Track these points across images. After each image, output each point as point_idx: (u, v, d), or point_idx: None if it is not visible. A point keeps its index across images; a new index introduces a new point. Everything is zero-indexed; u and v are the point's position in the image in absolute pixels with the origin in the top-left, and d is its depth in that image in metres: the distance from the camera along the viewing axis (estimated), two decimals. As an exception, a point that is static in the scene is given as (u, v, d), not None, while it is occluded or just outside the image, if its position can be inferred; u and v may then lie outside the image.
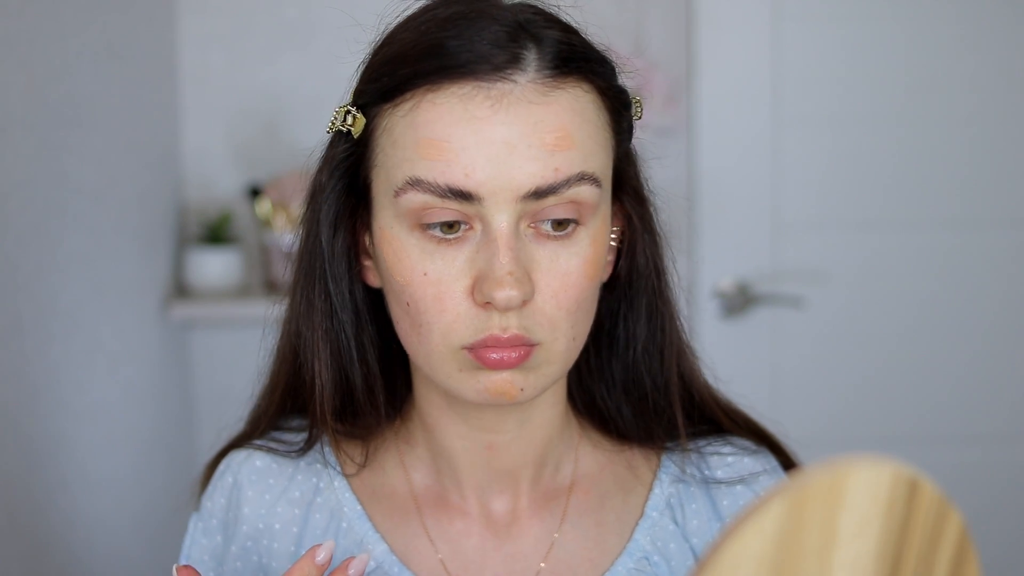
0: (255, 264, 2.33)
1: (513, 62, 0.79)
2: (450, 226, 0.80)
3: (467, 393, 0.83)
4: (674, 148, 2.17)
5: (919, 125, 2.15)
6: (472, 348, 0.81)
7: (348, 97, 0.88)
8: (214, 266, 2.23)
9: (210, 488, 0.99)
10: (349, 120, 0.85)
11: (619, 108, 0.86)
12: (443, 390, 0.88)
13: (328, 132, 0.87)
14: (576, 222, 0.82)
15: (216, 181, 2.35)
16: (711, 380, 0.99)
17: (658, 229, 0.92)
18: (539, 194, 0.79)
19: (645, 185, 0.91)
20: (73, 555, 1.76)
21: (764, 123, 2.13)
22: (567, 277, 0.81)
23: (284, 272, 0.96)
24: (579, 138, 0.80)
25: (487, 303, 0.80)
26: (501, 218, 0.79)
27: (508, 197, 0.79)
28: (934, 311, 2.19)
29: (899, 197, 2.17)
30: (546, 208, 0.80)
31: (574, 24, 0.87)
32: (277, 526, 0.94)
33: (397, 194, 0.81)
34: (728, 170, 2.12)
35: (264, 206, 2.24)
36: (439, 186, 0.78)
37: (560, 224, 0.81)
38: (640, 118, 0.90)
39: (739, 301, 2.14)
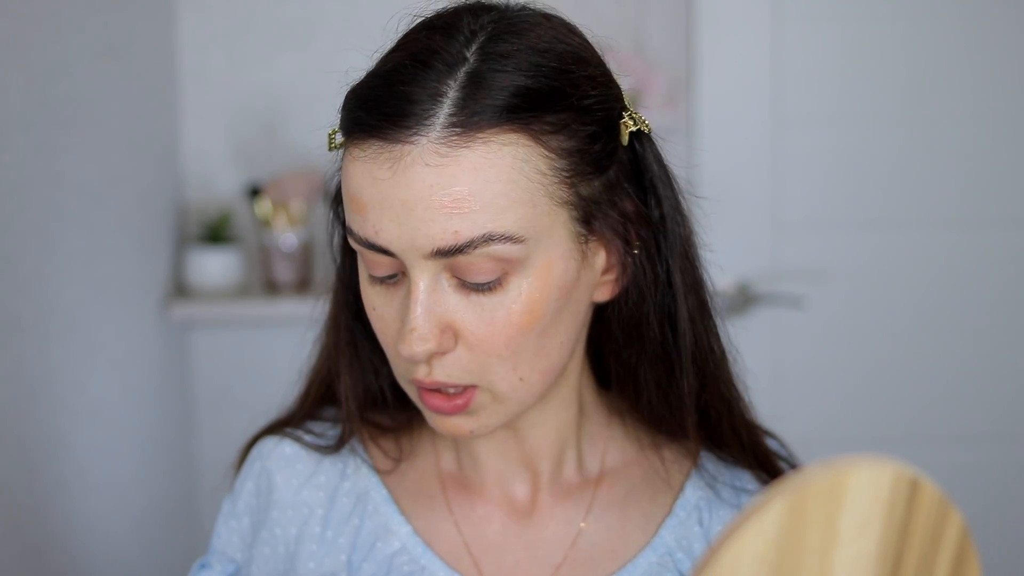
0: (255, 264, 2.33)
1: (419, 123, 0.78)
2: (382, 279, 0.84)
3: (430, 422, 0.88)
4: (674, 148, 2.17)
5: (919, 124, 2.15)
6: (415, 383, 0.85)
7: None
8: (214, 266, 2.23)
9: (241, 472, 1.01)
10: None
11: (578, 148, 0.82)
12: None
13: (329, 150, 0.89)
14: (498, 281, 0.81)
15: (216, 181, 2.35)
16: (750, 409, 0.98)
17: (669, 247, 0.88)
18: (443, 254, 0.79)
19: (659, 200, 0.88)
20: (72, 555, 1.76)
21: (764, 123, 2.13)
22: (492, 326, 0.82)
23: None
24: (486, 197, 0.78)
25: None
26: (416, 273, 0.81)
27: (416, 255, 0.80)
28: (934, 310, 2.19)
29: (899, 196, 2.17)
30: (465, 264, 0.80)
31: (570, 45, 0.84)
32: (305, 510, 0.96)
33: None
34: (728, 170, 2.12)
35: (264, 206, 2.24)
36: (361, 239, 0.82)
37: (478, 285, 0.81)
38: (648, 131, 0.87)
39: (739, 301, 2.14)
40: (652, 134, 0.89)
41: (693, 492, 0.96)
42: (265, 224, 2.24)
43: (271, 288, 2.25)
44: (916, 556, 0.60)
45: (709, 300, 0.93)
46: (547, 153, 0.80)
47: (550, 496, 0.94)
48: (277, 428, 1.01)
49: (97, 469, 1.87)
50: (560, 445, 0.94)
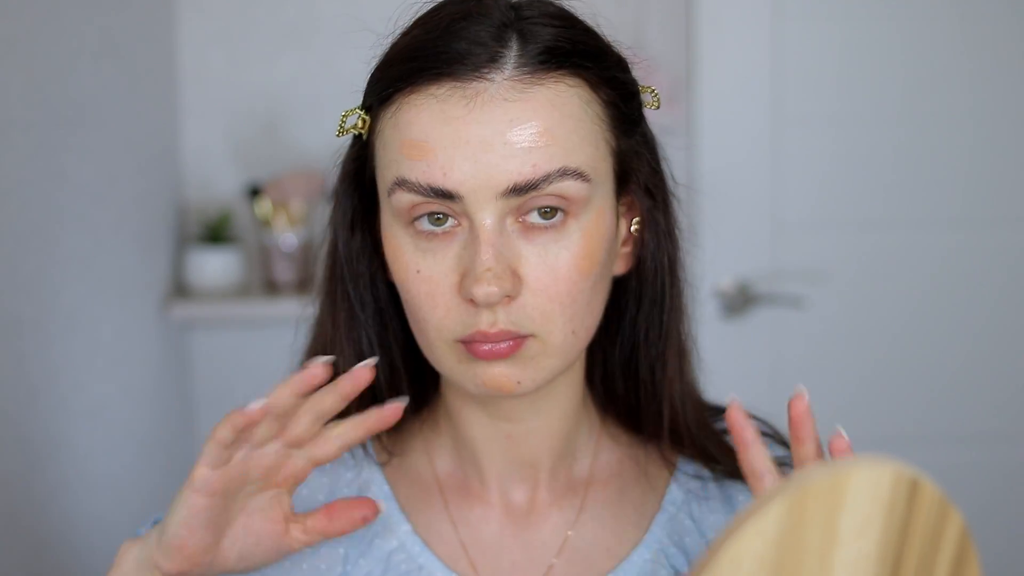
0: (255, 264, 2.33)
1: (491, 61, 0.81)
2: (438, 218, 0.82)
3: (467, 385, 0.86)
4: (674, 148, 2.16)
5: (919, 125, 2.15)
6: (464, 342, 0.84)
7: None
8: (214, 266, 2.23)
9: None
10: (359, 123, 0.87)
11: (618, 101, 0.86)
12: (453, 383, 0.90)
13: (338, 136, 0.89)
14: (564, 212, 0.82)
15: (216, 181, 2.35)
16: (703, 389, 0.99)
17: (668, 225, 0.92)
18: (518, 190, 0.80)
19: (661, 178, 0.91)
20: (73, 555, 1.76)
21: (764, 123, 2.13)
22: (557, 271, 0.82)
23: (316, 272, 0.99)
24: (560, 133, 0.81)
25: (471, 299, 0.81)
26: (483, 215, 0.81)
27: (488, 195, 0.80)
28: (934, 311, 2.19)
29: (899, 197, 2.17)
30: (533, 203, 0.81)
31: (579, 16, 0.87)
32: (304, 491, 0.95)
33: (389, 194, 0.84)
34: (728, 170, 2.12)
35: (264, 206, 2.24)
36: (422, 186, 0.81)
37: (546, 213, 0.82)
38: (657, 107, 0.90)
39: (739, 301, 2.14)
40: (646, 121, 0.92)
41: (679, 486, 0.96)
42: (265, 224, 2.24)
43: (271, 288, 2.25)
44: (916, 556, 0.60)
45: (687, 287, 0.95)
46: (600, 100, 0.84)
47: (548, 495, 0.94)
48: None
49: (97, 468, 1.87)
50: (562, 440, 0.94)
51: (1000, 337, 2.20)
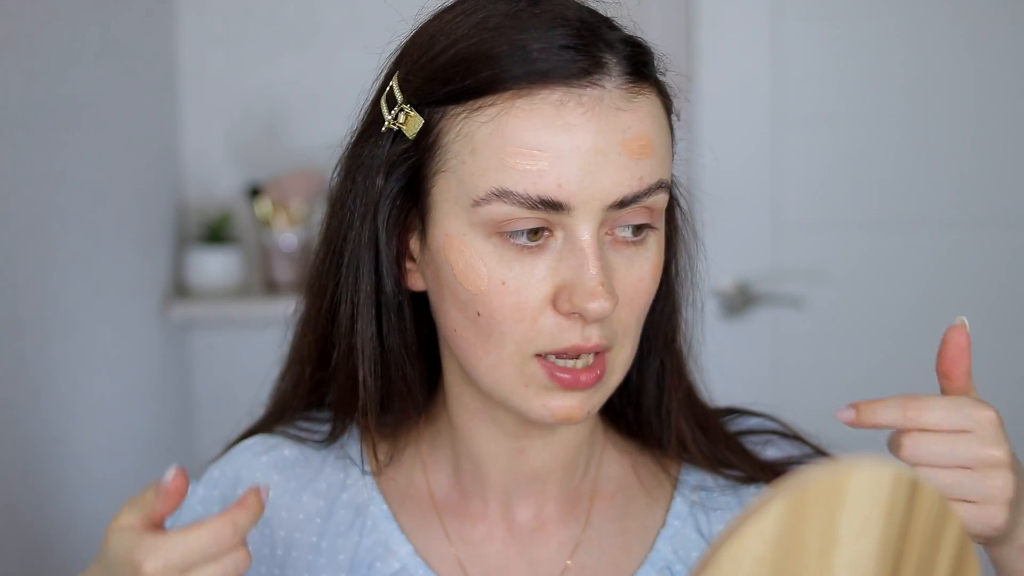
0: (255, 264, 2.33)
1: (598, 67, 0.78)
2: (535, 232, 0.78)
3: (532, 411, 0.82)
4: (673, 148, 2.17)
5: (919, 125, 2.15)
6: (553, 354, 0.80)
7: (398, 94, 0.83)
8: (214, 266, 2.23)
9: (222, 460, 0.96)
10: (401, 118, 0.82)
11: (672, 110, 0.85)
12: (505, 405, 0.84)
13: (383, 129, 0.83)
14: (651, 227, 0.81)
15: (216, 181, 2.35)
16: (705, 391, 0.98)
17: (691, 231, 0.92)
18: (623, 204, 0.78)
19: (677, 185, 0.91)
20: (73, 555, 1.76)
21: (764, 123, 2.13)
22: (640, 283, 0.81)
23: (311, 269, 0.95)
24: (657, 145, 0.79)
25: (573, 313, 0.78)
26: (587, 227, 0.78)
27: (596, 207, 0.77)
28: (933, 310, 2.19)
29: (899, 197, 2.17)
30: (624, 215, 0.79)
31: (626, 25, 0.85)
32: (301, 516, 0.92)
33: (477, 204, 0.78)
34: (728, 170, 2.12)
35: (264, 206, 2.24)
36: (529, 197, 0.76)
37: (639, 229, 0.80)
38: (678, 118, 0.88)
39: (739, 301, 2.14)
40: None
41: (683, 500, 0.94)
42: (265, 224, 2.24)
43: (271, 288, 2.25)
44: (916, 557, 0.60)
45: (695, 292, 0.94)
46: (667, 112, 0.83)
47: (555, 510, 0.91)
48: (269, 426, 0.97)
49: (97, 469, 1.87)
50: (573, 450, 0.90)
51: (1000, 337, 2.20)
